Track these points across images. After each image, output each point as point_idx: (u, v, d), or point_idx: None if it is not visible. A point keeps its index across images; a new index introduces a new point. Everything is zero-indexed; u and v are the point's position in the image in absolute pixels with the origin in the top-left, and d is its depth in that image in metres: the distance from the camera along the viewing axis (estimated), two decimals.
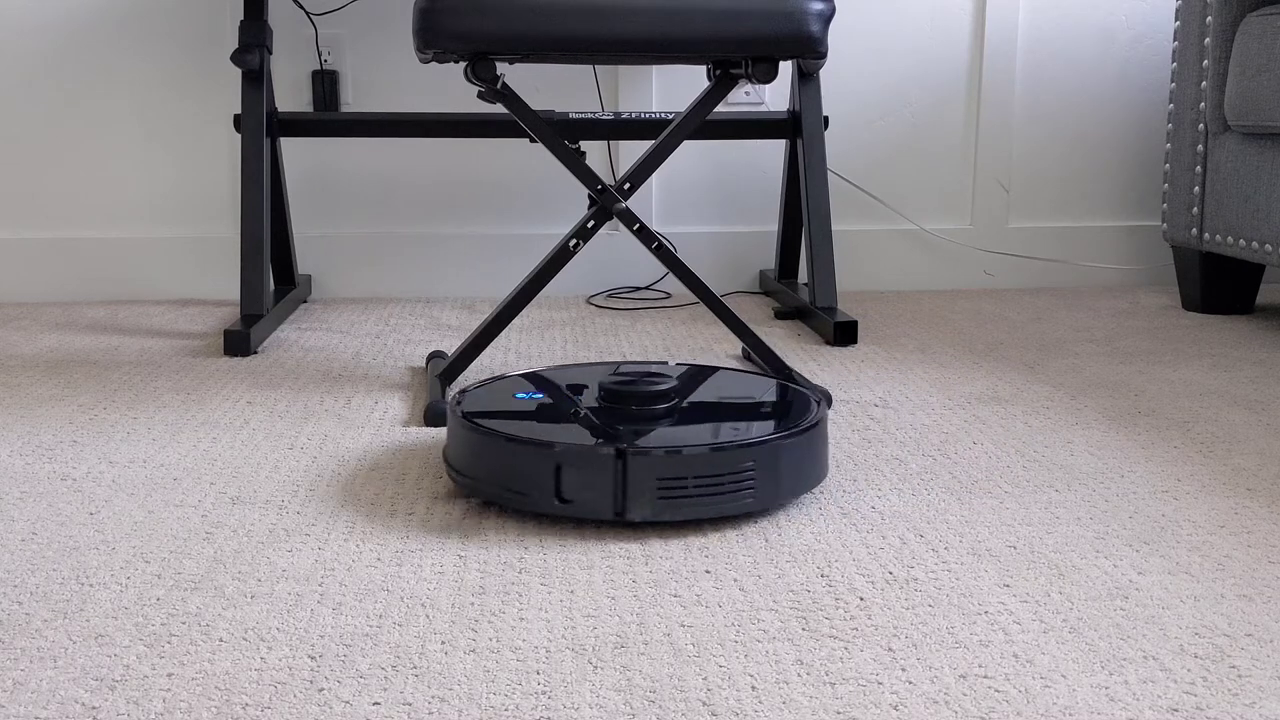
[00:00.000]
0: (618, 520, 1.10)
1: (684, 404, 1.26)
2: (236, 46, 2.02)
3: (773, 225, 2.46)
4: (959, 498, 1.20)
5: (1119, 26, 2.46)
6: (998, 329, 2.05)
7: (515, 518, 1.13)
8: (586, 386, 1.31)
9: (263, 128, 2.01)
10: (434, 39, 1.47)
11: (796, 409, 1.24)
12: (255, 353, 1.86)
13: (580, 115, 2.13)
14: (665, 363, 1.45)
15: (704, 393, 1.31)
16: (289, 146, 2.35)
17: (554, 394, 1.29)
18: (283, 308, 2.11)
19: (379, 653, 0.86)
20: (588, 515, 1.10)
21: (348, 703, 0.79)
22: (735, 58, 1.56)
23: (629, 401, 1.24)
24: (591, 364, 1.43)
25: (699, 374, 1.39)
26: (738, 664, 0.85)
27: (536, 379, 1.36)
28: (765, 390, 1.33)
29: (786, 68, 2.33)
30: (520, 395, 1.29)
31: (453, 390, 1.61)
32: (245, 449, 1.36)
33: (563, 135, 2.12)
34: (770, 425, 1.18)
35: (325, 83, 2.30)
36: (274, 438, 1.40)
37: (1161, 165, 2.53)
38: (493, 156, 2.39)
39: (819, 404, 1.25)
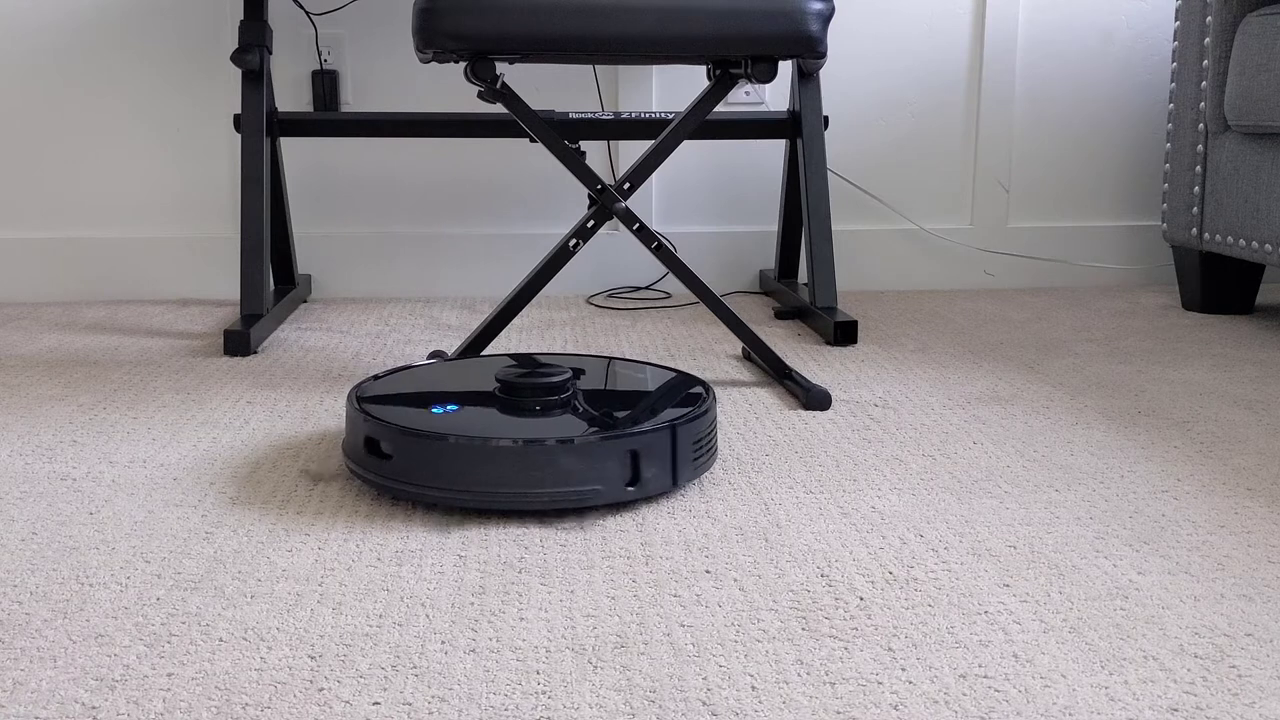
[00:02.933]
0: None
1: (580, 395, 1.29)
2: (236, 46, 2.02)
3: (773, 225, 2.46)
4: (959, 498, 1.20)
5: (1119, 26, 2.46)
6: (998, 329, 2.05)
7: (516, 518, 1.14)
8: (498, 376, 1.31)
9: (263, 128, 2.01)
10: (433, 39, 1.47)
11: (656, 412, 1.23)
12: (255, 353, 1.86)
13: (580, 115, 2.13)
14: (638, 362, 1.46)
15: (600, 386, 1.34)
16: (289, 146, 2.35)
17: (458, 380, 1.35)
18: (283, 308, 2.11)
19: (379, 653, 0.86)
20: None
21: (348, 703, 0.79)
22: (735, 57, 1.56)
23: (522, 392, 1.26)
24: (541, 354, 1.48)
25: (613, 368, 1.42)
26: (738, 664, 0.85)
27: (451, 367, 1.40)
28: (663, 391, 1.32)
29: (786, 68, 2.33)
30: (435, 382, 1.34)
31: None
32: (245, 449, 1.36)
33: (563, 135, 2.12)
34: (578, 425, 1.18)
35: (325, 83, 2.30)
36: (274, 438, 1.40)
37: (1161, 165, 2.53)
38: (493, 156, 2.39)
39: (694, 411, 1.22)
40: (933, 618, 0.92)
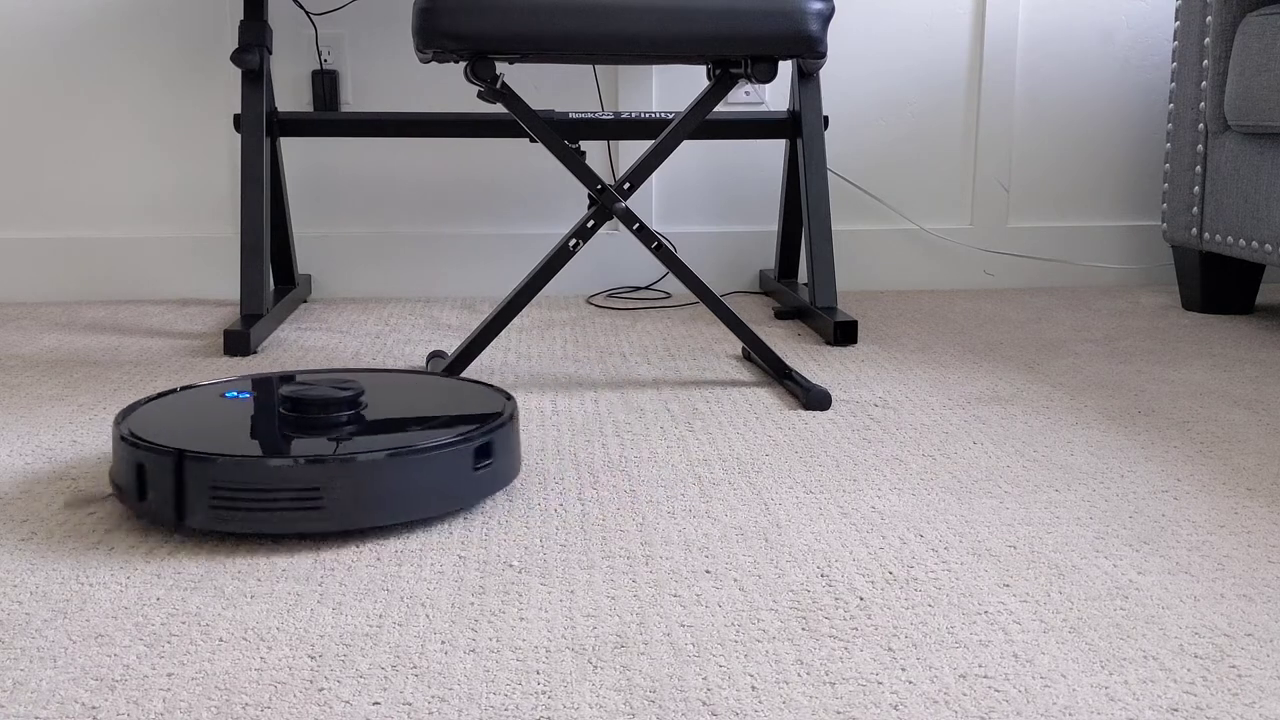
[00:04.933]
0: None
1: (364, 414, 1.20)
2: (236, 46, 2.02)
3: (773, 225, 2.46)
4: (959, 498, 1.20)
5: (1119, 26, 2.46)
6: (998, 329, 2.05)
7: (519, 517, 1.14)
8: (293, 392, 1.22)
9: (263, 128, 2.01)
10: (433, 39, 1.47)
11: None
12: (255, 352, 1.86)
13: (580, 115, 2.13)
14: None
15: (383, 414, 1.22)
16: (289, 146, 2.35)
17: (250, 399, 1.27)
18: (282, 308, 2.11)
19: (379, 653, 0.86)
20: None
21: (348, 703, 0.79)
22: (735, 57, 1.56)
23: (310, 408, 1.19)
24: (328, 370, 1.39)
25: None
26: (738, 664, 0.85)
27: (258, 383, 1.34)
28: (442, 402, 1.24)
29: (786, 68, 2.33)
30: (229, 395, 1.28)
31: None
32: None
33: (563, 135, 2.12)
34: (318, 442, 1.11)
35: (325, 83, 2.30)
36: None
37: (1161, 165, 2.53)
38: (493, 156, 2.39)
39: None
40: (933, 618, 0.92)
